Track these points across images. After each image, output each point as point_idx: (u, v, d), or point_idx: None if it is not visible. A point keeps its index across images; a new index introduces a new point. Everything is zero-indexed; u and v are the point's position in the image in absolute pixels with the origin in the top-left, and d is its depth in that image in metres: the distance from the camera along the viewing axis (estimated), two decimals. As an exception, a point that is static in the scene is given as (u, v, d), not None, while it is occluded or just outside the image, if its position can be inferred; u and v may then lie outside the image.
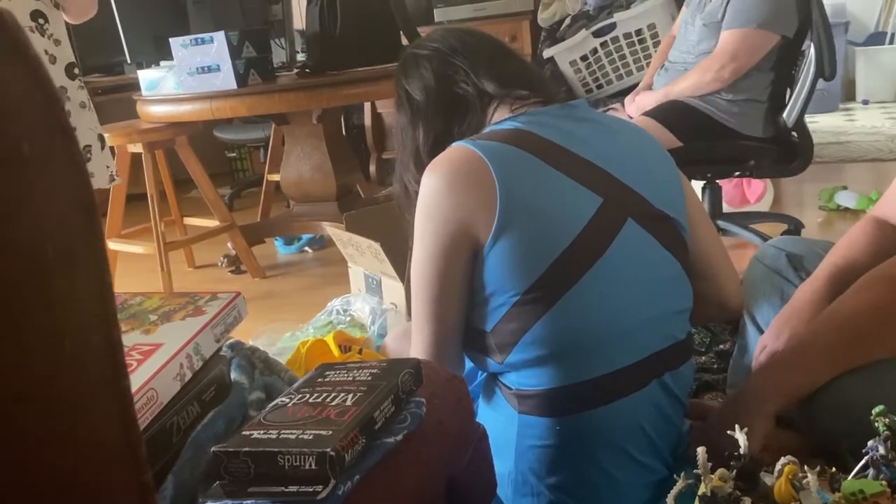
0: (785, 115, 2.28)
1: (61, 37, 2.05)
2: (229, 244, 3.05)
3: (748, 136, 2.27)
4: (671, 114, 2.24)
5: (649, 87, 2.46)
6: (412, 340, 1.13)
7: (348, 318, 2.07)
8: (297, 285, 2.89)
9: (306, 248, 3.27)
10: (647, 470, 1.09)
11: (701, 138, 2.25)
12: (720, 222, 2.53)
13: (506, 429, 1.08)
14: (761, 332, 1.32)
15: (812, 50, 2.20)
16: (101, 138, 2.17)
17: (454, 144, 1.06)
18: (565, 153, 1.04)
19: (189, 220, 3.18)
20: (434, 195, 1.04)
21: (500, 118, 1.11)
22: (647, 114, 2.28)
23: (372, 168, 4.34)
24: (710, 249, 1.21)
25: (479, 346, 1.09)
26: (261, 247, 3.18)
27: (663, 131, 2.21)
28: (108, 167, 2.18)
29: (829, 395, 1.04)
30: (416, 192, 1.09)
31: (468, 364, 1.27)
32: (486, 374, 1.17)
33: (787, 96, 2.32)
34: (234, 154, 4.91)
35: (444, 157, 1.05)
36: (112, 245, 2.86)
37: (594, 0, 3.35)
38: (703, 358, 1.56)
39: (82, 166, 0.44)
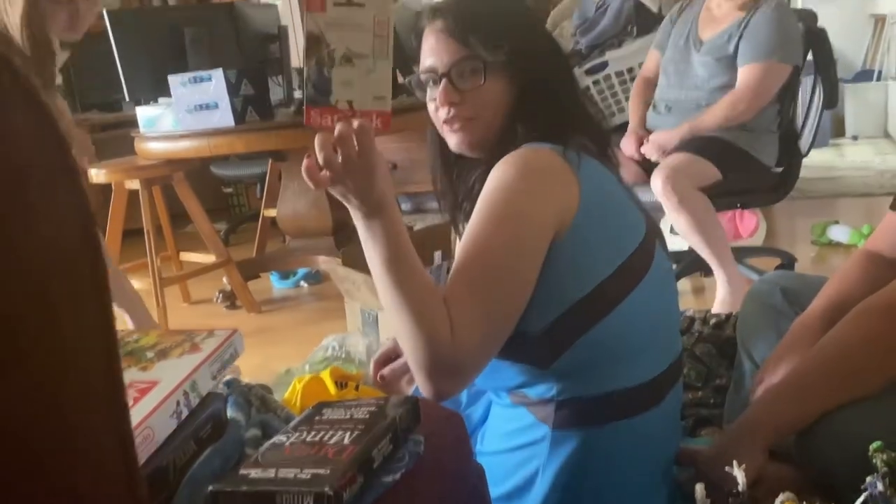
0: (801, 143, 2.41)
1: None
2: (225, 279, 3.05)
3: (765, 165, 2.35)
4: (710, 147, 2.25)
5: (642, 130, 2.46)
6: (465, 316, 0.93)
7: (344, 355, 2.07)
8: (293, 320, 2.88)
9: (302, 283, 3.27)
10: (658, 491, 1.12)
11: (735, 170, 2.30)
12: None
13: (533, 452, 1.07)
14: (757, 367, 1.32)
15: (816, 80, 2.38)
16: None
17: (526, 146, 1.04)
18: (614, 171, 1.14)
19: (185, 256, 3.18)
20: (516, 186, 0.99)
21: None
22: (682, 149, 2.26)
23: (368, 203, 4.35)
24: None
25: (517, 353, 1.02)
26: (256, 282, 3.17)
27: (707, 164, 2.23)
28: None
29: (826, 426, 1.04)
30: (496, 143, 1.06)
31: (472, 389, 1.25)
32: (503, 398, 1.13)
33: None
34: (230, 190, 4.93)
35: (522, 153, 1.03)
36: (107, 281, 2.86)
37: (586, 39, 3.40)
38: (700, 393, 1.56)
39: (88, 206, 0.45)
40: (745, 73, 2.24)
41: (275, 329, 2.79)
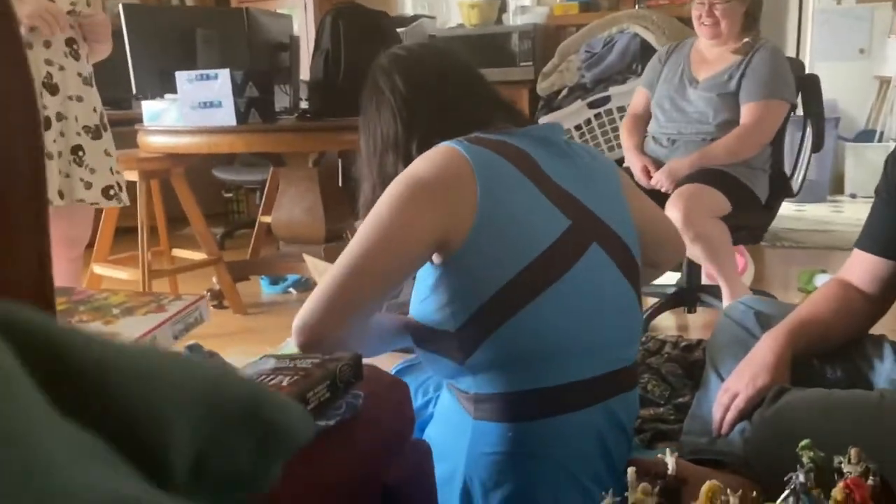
0: (793, 182, 2.50)
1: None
2: (214, 279, 3.07)
3: (760, 202, 2.40)
4: (720, 179, 2.28)
5: (647, 160, 2.44)
6: (319, 285, 1.07)
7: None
8: (278, 324, 2.89)
9: (291, 290, 3.29)
10: (590, 498, 1.11)
11: (741, 203, 2.32)
12: (700, 295, 2.56)
13: (457, 437, 1.11)
14: (723, 380, 1.34)
15: (806, 123, 2.47)
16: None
17: (442, 144, 1.09)
18: (541, 172, 1.11)
19: (177, 252, 3.21)
20: (417, 185, 1.05)
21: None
22: (695, 180, 2.26)
23: (365, 220, 4.39)
24: (646, 215, 1.27)
25: (440, 346, 1.11)
26: (246, 285, 3.20)
27: (720, 196, 2.24)
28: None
29: (776, 425, 1.07)
30: None
31: (426, 375, 1.28)
32: (445, 387, 1.19)
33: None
34: (231, 195, 4.98)
35: (433, 154, 1.08)
36: (97, 269, 2.88)
37: (592, 73, 3.47)
38: (662, 409, 1.57)
39: (37, 119, 0.47)
40: (751, 109, 2.31)
41: (258, 330, 2.80)
